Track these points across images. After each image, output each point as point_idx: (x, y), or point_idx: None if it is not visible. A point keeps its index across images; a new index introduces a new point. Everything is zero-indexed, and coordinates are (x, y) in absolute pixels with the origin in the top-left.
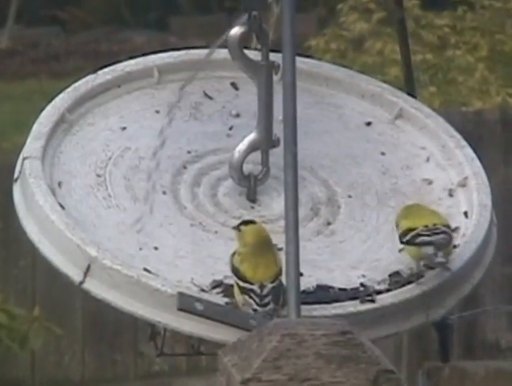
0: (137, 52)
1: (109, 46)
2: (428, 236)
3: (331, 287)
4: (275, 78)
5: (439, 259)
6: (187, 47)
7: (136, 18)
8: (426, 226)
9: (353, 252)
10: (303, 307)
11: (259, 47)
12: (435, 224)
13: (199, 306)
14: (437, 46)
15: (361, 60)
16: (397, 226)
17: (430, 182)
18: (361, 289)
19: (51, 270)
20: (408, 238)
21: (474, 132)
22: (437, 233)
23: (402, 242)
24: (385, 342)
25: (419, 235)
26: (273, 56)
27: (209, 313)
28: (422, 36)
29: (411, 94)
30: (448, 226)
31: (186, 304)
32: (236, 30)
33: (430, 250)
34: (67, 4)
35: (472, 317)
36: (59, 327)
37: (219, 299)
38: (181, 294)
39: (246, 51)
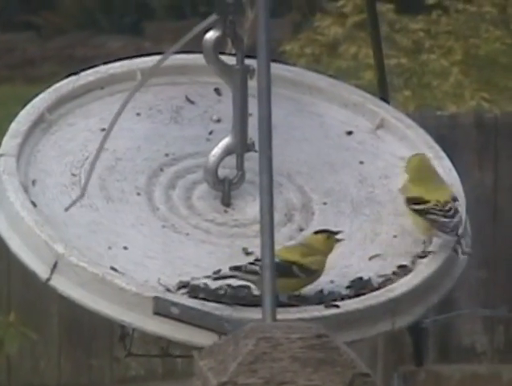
0: (112, 57)
1: (84, 51)
2: (443, 216)
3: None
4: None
5: (467, 250)
6: (162, 52)
7: (111, 23)
8: (438, 202)
9: None
10: None
11: (234, 51)
12: (446, 202)
13: (174, 310)
14: (412, 50)
15: (336, 64)
16: (404, 186)
17: None
18: (327, 293)
19: (27, 275)
20: (417, 208)
21: (449, 136)
22: (452, 216)
23: (409, 208)
24: (360, 346)
25: (431, 212)
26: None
27: (185, 317)
28: (396, 40)
29: (384, 98)
30: (455, 198)
31: (162, 308)
32: (211, 35)
33: (452, 235)
34: (42, 9)
35: (448, 320)
36: (34, 332)
37: (184, 300)
38: (157, 298)
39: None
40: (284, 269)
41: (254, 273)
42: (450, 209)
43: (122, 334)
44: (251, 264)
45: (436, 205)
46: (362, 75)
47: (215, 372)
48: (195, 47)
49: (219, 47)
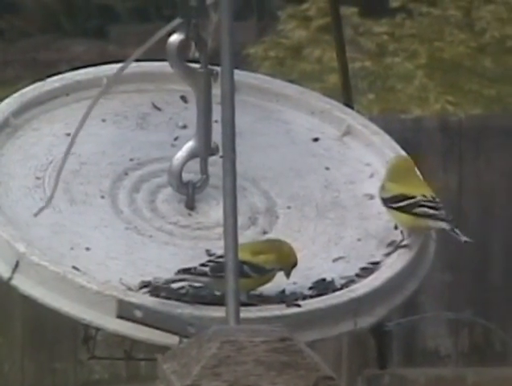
0: (76, 61)
1: (47, 54)
2: (432, 208)
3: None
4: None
5: (464, 238)
6: (126, 56)
7: (75, 26)
8: (424, 196)
9: None
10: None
11: (197, 55)
12: (433, 197)
13: (138, 314)
14: (376, 53)
15: (300, 68)
16: (382, 187)
17: (371, 197)
18: (289, 294)
19: None
20: (403, 205)
21: (413, 139)
22: (441, 208)
23: (391, 207)
24: (324, 349)
25: (420, 205)
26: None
27: (148, 320)
28: (360, 43)
29: (348, 102)
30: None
31: (125, 311)
32: (174, 38)
33: (445, 225)
34: (4, 12)
35: (412, 324)
36: None
37: (145, 299)
38: (120, 301)
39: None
40: None
41: (204, 274)
42: (439, 202)
43: (86, 336)
44: (202, 265)
45: (424, 198)
46: (326, 79)
47: (178, 376)
48: (161, 54)
49: (183, 50)
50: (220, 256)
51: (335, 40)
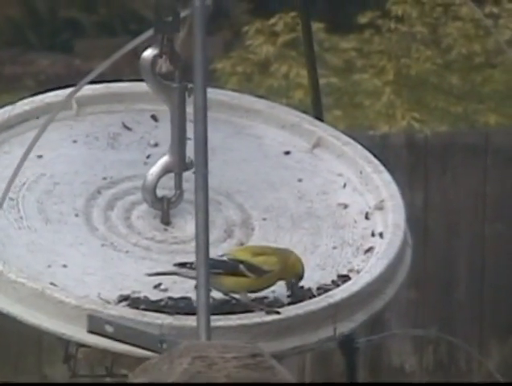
0: (42, 74)
1: (13, 68)
2: None
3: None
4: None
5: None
6: (92, 70)
7: (41, 40)
8: None
9: None
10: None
11: (165, 69)
12: None
13: (109, 329)
14: (343, 69)
15: (267, 83)
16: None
17: (345, 206)
18: (266, 301)
19: None
20: None
21: (380, 156)
22: None
23: None
24: (288, 365)
25: None
26: None
27: (119, 335)
28: (326, 59)
29: (318, 118)
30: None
31: (96, 326)
32: (148, 53)
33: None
34: None
35: (379, 341)
36: None
37: (124, 311)
38: (91, 317)
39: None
40: (231, 268)
41: None
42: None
43: (66, 355)
44: None
45: None
46: (292, 95)
47: None
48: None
49: (156, 65)
50: (221, 256)
51: (305, 56)
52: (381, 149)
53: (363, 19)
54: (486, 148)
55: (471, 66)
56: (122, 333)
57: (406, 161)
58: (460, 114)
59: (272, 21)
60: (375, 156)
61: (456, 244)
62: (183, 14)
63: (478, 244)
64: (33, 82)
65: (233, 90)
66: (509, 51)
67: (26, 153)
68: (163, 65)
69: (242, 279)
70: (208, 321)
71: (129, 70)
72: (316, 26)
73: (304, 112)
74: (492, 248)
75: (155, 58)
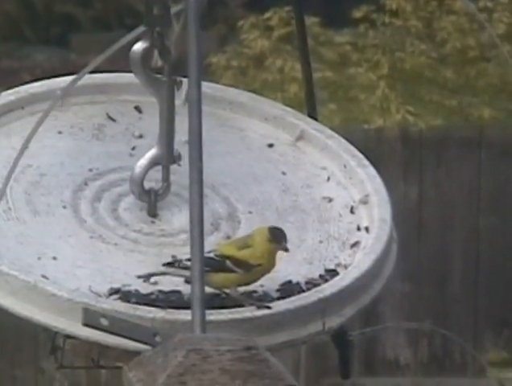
0: (38, 69)
1: (9, 62)
2: None
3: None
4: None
5: None
6: (88, 64)
7: (37, 35)
8: None
9: None
10: None
11: (160, 63)
12: None
13: (104, 322)
14: (337, 63)
15: (262, 78)
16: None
17: (330, 200)
18: (255, 295)
19: None
20: None
21: (375, 149)
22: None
23: None
24: (283, 358)
25: None
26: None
27: (114, 329)
28: (321, 53)
29: (312, 112)
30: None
31: (91, 319)
32: (138, 46)
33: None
34: None
35: (373, 333)
36: None
37: (116, 305)
38: (86, 310)
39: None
40: (218, 264)
41: (188, 268)
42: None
43: (53, 347)
44: (188, 260)
45: None
46: (287, 89)
47: (144, 384)
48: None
49: (146, 58)
50: (208, 252)
51: (299, 50)
52: (375, 143)
53: (358, 13)
54: (480, 142)
55: (465, 60)
56: (117, 326)
57: (400, 154)
58: (454, 108)
59: (267, 15)
60: (360, 151)
61: (451, 237)
62: (176, 8)
63: (473, 237)
64: (29, 76)
65: (228, 84)
66: (503, 45)
67: (24, 144)
68: (153, 59)
69: (231, 275)
70: (203, 314)
71: (124, 63)
72: (311, 20)
73: (299, 106)
74: (486, 241)
75: (145, 51)
